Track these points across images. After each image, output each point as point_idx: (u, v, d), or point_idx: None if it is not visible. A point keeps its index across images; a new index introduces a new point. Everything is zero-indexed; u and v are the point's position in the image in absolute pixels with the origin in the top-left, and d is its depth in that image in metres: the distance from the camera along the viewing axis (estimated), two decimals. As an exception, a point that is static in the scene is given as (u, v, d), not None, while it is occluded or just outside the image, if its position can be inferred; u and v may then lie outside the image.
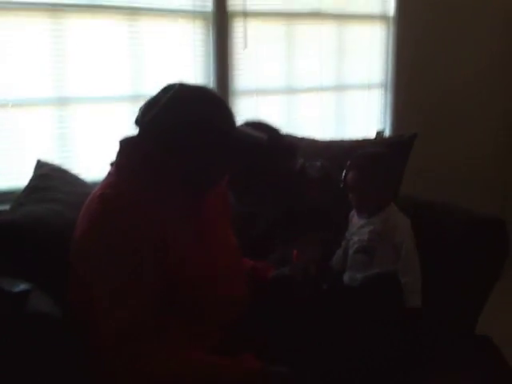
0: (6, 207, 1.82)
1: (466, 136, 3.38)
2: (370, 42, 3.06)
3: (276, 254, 1.88)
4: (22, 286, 1.22)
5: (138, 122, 1.44)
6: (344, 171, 1.96)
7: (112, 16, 2.38)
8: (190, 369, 1.27)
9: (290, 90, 2.89)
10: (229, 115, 1.47)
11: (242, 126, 1.59)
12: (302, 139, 2.53)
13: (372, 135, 2.97)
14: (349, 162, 1.95)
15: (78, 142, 2.39)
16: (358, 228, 1.93)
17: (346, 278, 1.89)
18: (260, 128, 2.06)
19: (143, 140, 1.42)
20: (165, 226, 1.34)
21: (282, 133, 2.11)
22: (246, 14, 2.67)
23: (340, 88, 3.01)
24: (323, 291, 1.78)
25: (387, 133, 3.12)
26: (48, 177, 1.86)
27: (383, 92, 3.14)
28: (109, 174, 1.46)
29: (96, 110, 2.42)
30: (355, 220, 1.96)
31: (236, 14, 2.66)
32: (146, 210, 1.31)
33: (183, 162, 1.39)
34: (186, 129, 1.37)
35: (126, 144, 1.45)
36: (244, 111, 2.71)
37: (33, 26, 2.23)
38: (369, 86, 3.09)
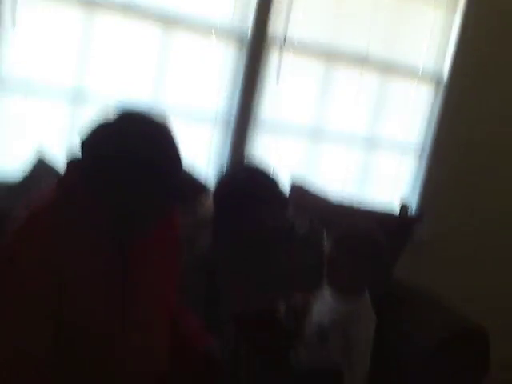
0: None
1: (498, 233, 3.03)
2: (414, 100, 2.82)
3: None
4: None
5: (82, 145, 1.32)
6: (326, 241, 1.77)
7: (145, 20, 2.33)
8: None
9: (316, 136, 2.70)
10: (171, 155, 1.32)
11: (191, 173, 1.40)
12: (308, 194, 2.34)
13: (394, 203, 2.71)
14: (335, 233, 1.74)
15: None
16: (323, 304, 1.75)
17: (292, 353, 1.73)
18: (254, 174, 1.91)
19: (82, 168, 1.32)
20: (68, 268, 1.28)
21: (276, 184, 1.94)
22: (283, 46, 2.52)
23: (371, 144, 2.78)
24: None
25: (413, 204, 2.83)
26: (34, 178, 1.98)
27: (417, 158, 2.87)
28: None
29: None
30: (326, 293, 1.75)
31: (274, 44, 2.51)
32: (54, 247, 1.27)
33: (112, 198, 1.30)
34: (118, 163, 1.27)
35: (69, 166, 1.36)
36: (260, 149, 2.58)
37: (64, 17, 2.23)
38: (403, 149, 2.84)
